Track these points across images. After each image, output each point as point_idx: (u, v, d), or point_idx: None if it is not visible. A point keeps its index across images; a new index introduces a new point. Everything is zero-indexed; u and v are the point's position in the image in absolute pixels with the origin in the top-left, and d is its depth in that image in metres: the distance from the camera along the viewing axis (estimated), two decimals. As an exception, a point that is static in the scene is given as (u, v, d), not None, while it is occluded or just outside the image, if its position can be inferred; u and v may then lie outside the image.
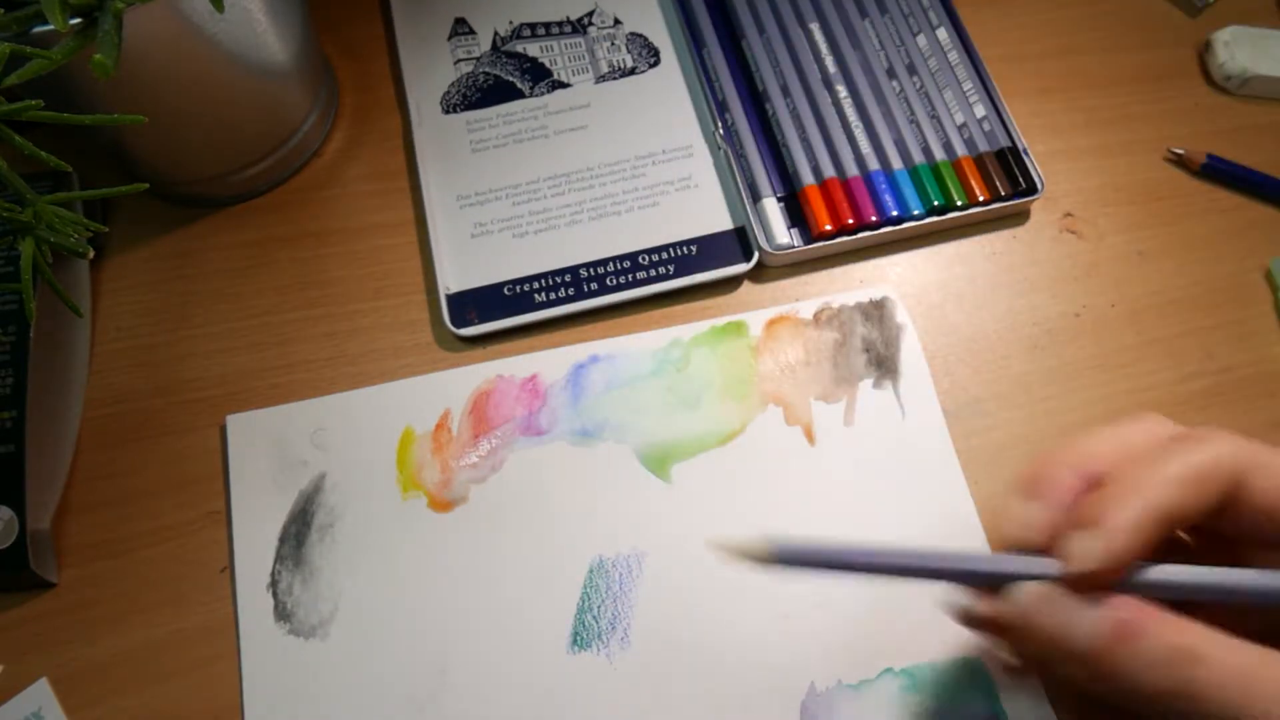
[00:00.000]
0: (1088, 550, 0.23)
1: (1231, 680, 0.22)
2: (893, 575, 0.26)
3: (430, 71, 0.43)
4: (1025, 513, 0.25)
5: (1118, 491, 0.24)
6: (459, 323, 0.38)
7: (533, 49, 0.44)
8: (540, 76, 0.44)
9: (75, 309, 0.30)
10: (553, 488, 0.35)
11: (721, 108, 0.42)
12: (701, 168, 0.41)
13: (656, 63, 0.44)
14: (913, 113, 0.42)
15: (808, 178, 0.40)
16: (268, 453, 0.35)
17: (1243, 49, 0.44)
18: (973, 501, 0.35)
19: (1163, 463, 0.24)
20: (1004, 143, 0.41)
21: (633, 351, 0.38)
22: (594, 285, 0.39)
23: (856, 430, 0.36)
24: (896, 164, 0.40)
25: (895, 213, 0.39)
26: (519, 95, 0.43)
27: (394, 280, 0.39)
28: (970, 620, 0.26)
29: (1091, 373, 0.38)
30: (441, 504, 0.35)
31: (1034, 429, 0.37)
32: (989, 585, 0.25)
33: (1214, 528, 0.26)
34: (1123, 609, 0.23)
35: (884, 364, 0.37)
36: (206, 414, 0.36)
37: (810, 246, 0.39)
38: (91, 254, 0.29)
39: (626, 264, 0.39)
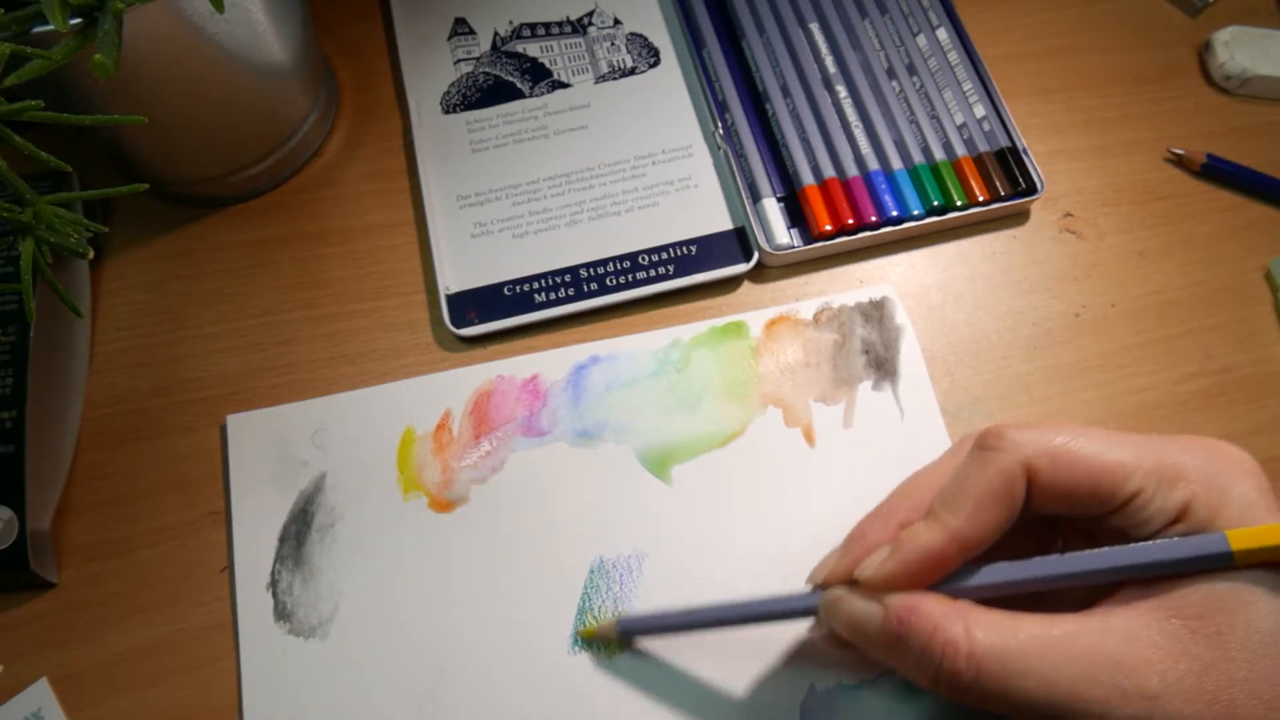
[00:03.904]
0: (868, 565, 0.27)
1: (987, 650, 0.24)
2: (727, 626, 0.31)
3: (430, 71, 0.43)
4: (825, 562, 0.29)
5: (916, 526, 0.27)
6: (459, 323, 0.38)
7: (533, 49, 0.44)
8: (540, 76, 0.44)
9: (75, 309, 0.30)
10: (553, 488, 0.35)
11: (721, 108, 0.42)
12: (701, 168, 0.41)
13: (656, 63, 0.44)
14: (912, 113, 0.42)
15: (807, 178, 0.40)
16: (268, 453, 0.35)
17: (1243, 49, 0.44)
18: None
19: (954, 499, 0.26)
20: (1004, 143, 0.41)
21: (633, 352, 0.38)
22: (594, 285, 0.39)
23: (856, 432, 0.36)
24: (896, 164, 0.40)
25: (895, 213, 0.39)
26: (519, 95, 0.43)
27: (394, 280, 0.39)
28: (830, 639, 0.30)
29: (1091, 373, 0.38)
30: (442, 504, 0.35)
31: (1034, 429, 0.37)
32: (802, 616, 0.29)
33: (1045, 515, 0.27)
34: (897, 597, 0.26)
35: (883, 366, 0.38)
36: (206, 414, 0.36)
37: (810, 246, 0.39)
38: (91, 254, 0.29)
39: (626, 264, 0.39)
